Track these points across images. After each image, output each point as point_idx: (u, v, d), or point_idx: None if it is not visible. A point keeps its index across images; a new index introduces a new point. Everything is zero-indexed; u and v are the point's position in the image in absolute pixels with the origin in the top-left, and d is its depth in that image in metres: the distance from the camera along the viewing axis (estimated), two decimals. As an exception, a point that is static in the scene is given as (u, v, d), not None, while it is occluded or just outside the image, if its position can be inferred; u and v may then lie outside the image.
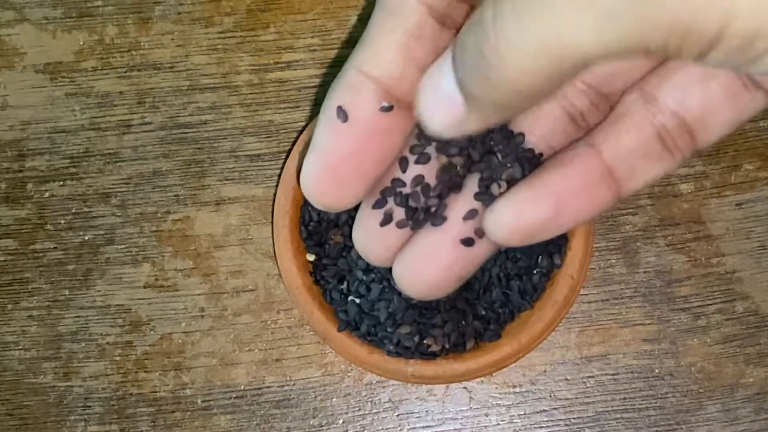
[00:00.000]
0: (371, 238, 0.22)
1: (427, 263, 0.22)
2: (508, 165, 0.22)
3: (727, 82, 0.21)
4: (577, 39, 0.15)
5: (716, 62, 0.16)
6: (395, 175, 0.22)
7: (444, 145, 0.22)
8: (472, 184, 0.22)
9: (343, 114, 0.20)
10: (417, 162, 0.22)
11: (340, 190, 0.20)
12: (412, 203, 0.22)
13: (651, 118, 0.21)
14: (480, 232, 0.22)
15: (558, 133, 0.22)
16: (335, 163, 0.20)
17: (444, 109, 0.19)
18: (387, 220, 0.22)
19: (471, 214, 0.22)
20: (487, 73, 0.17)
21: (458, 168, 0.22)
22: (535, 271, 0.38)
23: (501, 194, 0.21)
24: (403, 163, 0.22)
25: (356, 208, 0.23)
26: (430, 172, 0.22)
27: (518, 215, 0.20)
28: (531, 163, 0.22)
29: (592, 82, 0.22)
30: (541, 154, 0.22)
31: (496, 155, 0.22)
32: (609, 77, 0.22)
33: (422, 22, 0.20)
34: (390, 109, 0.20)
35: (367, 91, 0.20)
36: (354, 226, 0.23)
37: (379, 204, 0.22)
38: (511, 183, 0.22)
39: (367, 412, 0.41)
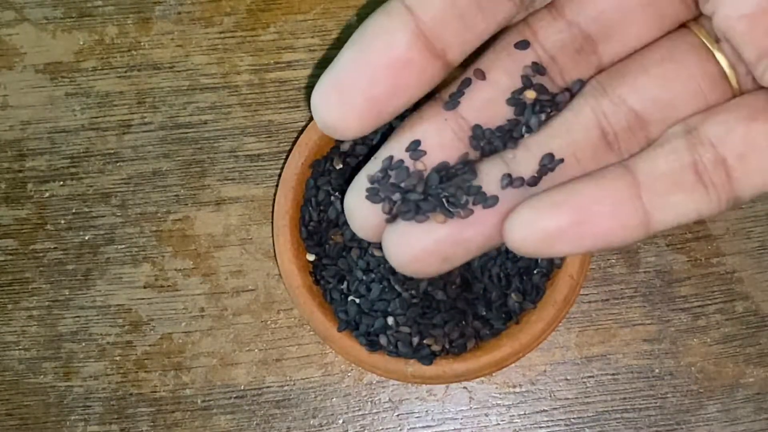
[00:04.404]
0: (362, 207, 0.22)
1: (416, 237, 0.21)
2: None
3: None
4: None
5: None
6: (398, 153, 0.21)
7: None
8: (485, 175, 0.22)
9: (371, 41, 0.19)
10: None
11: (347, 114, 0.20)
12: (410, 197, 0.22)
13: (690, 147, 0.20)
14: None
15: (588, 149, 0.21)
16: (347, 85, 0.19)
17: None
18: (386, 209, 0.22)
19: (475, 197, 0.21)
20: None
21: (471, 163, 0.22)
22: (535, 271, 0.38)
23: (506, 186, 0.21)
24: (414, 145, 0.22)
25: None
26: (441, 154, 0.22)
27: (535, 221, 0.20)
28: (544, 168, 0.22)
29: (635, 105, 0.21)
30: (561, 160, 0.21)
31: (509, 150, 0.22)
32: (653, 104, 0.21)
33: None
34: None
35: (402, 26, 0.19)
36: (348, 190, 0.22)
37: (375, 190, 0.22)
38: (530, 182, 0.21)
39: (367, 412, 0.41)
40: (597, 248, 0.20)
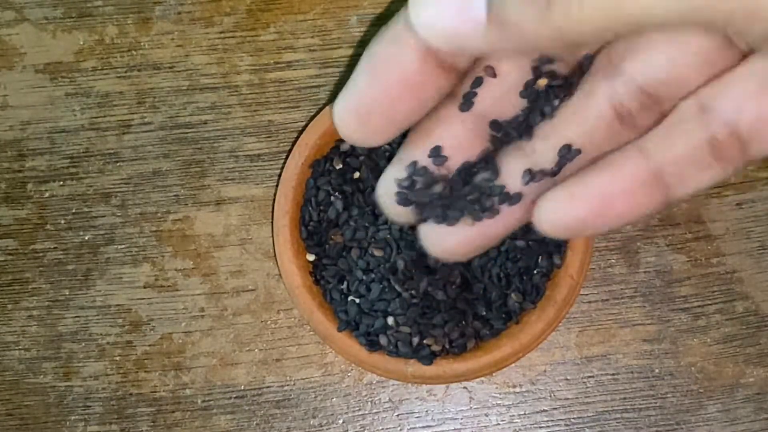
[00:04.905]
0: (395, 208, 0.23)
1: (448, 236, 0.22)
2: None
3: None
4: (638, 3, 0.15)
5: None
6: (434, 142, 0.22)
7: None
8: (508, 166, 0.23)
9: (382, 63, 0.20)
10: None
11: (368, 133, 0.21)
12: (437, 203, 0.22)
13: (704, 127, 0.21)
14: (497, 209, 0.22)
15: (603, 130, 0.22)
16: (366, 109, 0.20)
17: (454, 16, 0.18)
18: (417, 212, 0.22)
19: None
20: (530, 12, 0.16)
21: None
22: (535, 271, 0.38)
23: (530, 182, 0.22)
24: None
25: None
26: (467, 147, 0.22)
27: (563, 213, 0.21)
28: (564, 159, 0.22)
29: (646, 86, 0.22)
30: (579, 151, 0.22)
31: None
32: (664, 83, 0.22)
33: None
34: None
35: (409, 45, 0.20)
36: (377, 188, 0.23)
37: (404, 195, 0.23)
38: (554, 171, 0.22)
39: (367, 412, 0.41)
40: (621, 225, 0.22)
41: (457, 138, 0.22)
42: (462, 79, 0.21)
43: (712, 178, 0.21)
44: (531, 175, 0.22)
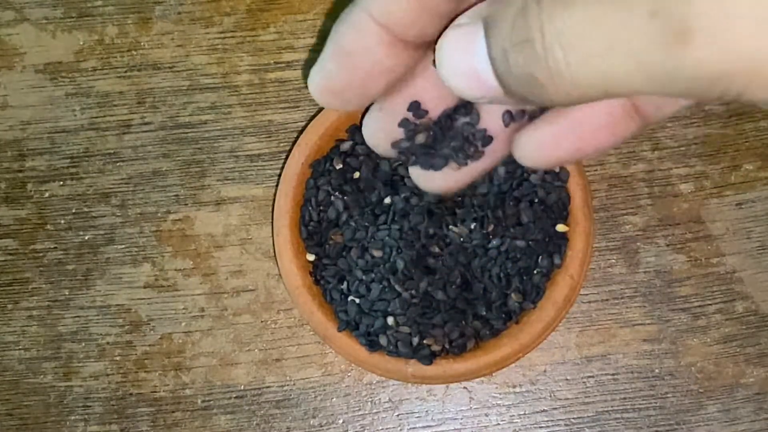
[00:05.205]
0: (377, 139, 0.24)
1: (437, 179, 0.24)
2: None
3: None
4: (629, 82, 0.16)
5: None
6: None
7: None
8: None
9: (349, 52, 0.21)
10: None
11: (345, 104, 0.21)
12: (422, 153, 0.23)
13: None
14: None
15: None
16: (339, 88, 0.21)
17: (473, 83, 0.19)
18: (406, 157, 0.23)
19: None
20: (532, 86, 0.18)
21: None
22: (535, 271, 0.38)
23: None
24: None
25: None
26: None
27: (540, 150, 0.22)
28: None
29: None
30: None
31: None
32: None
33: None
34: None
35: (372, 32, 0.20)
36: (366, 116, 0.24)
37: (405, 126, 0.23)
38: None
39: (367, 412, 0.41)
40: (599, 155, 0.22)
41: (435, 89, 0.23)
42: (431, 47, 0.22)
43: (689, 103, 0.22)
44: (511, 116, 0.23)
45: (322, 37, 0.44)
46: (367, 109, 0.24)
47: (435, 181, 0.24)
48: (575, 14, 0.16)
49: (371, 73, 0.21)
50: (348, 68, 0.21)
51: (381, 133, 0.24)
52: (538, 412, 0.41)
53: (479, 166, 0.23)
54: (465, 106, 0.23)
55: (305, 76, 0.44)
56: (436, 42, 0.21)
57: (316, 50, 0.44)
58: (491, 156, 0.23)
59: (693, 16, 0.15)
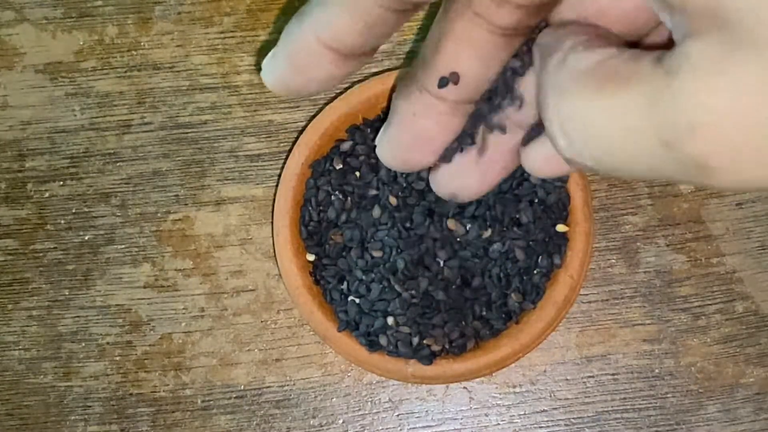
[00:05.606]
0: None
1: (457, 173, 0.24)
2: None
3: None
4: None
5: None
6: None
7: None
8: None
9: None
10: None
11: (294, 96, 0.25)
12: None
13: None
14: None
15: None
16: (293, 91, 0.23)
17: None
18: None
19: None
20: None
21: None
22: (535, 271, 0.38)
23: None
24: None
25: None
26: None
27: (548, 164, 0.22)
28: None
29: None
30: None
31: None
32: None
33: None
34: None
35: (322, 55, 0.22)
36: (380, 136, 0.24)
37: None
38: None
39: (367, 412, 0.41)
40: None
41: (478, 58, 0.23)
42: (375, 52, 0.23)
43: None
44: (530, 137, 0.23)
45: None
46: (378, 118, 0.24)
47: (453, 183, 0.24)
48: None
49: (322, 81, 0.22)
50: (302, 79, 0.23)
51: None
52: (538, 412, 0.41)
53: (493, 172, 0.24)
54: (504, 86, 0.23)
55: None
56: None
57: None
58: (505, 161, 0.24)
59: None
